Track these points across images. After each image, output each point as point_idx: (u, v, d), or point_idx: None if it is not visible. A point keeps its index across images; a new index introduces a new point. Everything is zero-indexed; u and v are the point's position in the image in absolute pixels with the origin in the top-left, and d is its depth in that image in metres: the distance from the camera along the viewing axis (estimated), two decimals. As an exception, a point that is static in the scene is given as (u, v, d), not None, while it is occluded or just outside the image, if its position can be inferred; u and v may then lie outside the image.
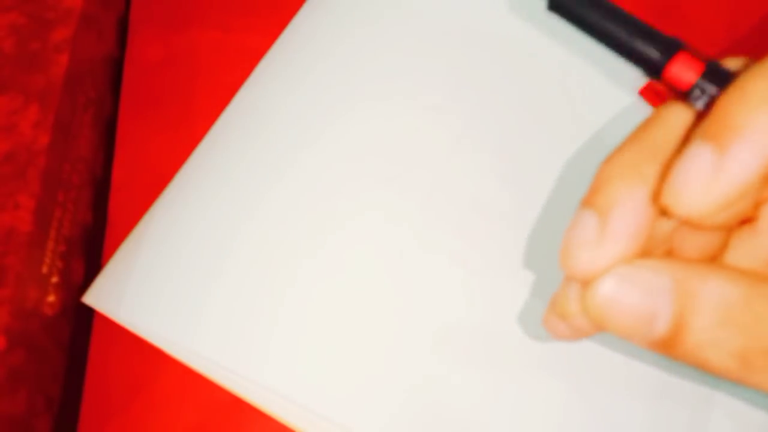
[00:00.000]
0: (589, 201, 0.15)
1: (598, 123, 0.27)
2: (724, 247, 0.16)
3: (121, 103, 0.28)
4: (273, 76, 0.28)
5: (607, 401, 0.23)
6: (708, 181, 0.12)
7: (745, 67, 0.14)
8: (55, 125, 0.24)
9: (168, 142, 0.27)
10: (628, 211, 0.14)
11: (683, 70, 0.14)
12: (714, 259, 0.16)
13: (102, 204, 0.27)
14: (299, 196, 0.25)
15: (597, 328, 0.14)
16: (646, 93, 0.27)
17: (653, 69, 0.15)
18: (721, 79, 0.14)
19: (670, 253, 0.16)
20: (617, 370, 0.23)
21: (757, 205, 0.16)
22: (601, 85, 0.28)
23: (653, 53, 0.15)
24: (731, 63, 0.15)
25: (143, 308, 0.24)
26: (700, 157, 0.13)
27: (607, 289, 0.13)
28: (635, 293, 0.13)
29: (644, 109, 0.27)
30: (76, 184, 0.26)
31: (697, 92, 0.14)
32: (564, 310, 0.16)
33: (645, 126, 0.15)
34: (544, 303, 0.24)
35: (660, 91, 0.27)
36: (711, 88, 0.14)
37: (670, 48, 0.15)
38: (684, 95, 0.15)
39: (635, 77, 0.28)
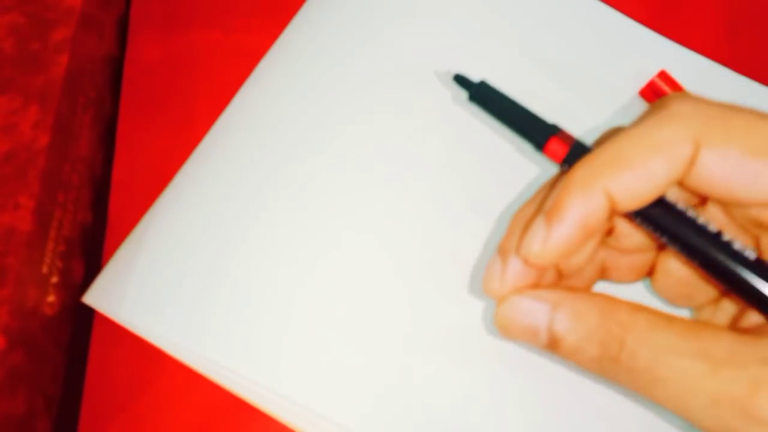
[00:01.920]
0: (500, 246, 0.20)
1: (598, 122, 0.27)
2: (652, 265, 0.21)
3: (121, 103, 0.28)
4: (273, 76, 0.28)
5: (604, 401, 0.23)
6: (541, 244, 0.17)
7: (605, 137, 0.19)
8: (55, 125, 0.24)
9: (168, 142, 0.27)
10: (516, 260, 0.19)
11: (556, 149, 0.19)
12: (641, 274, 0.21)
13: (102, 204, 0.27)
14: (298, 196, 0.25)
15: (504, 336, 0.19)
16: (646, 93, 0.27)
17: (537, 146, 0.19)
18: (581, 155, 0.18)
19: (602, 272, 0.21)
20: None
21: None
22: (601, 85, 0.28)
23: (536, 135, 0.19)
24: (604, 136, 0.20)
25: (143, 308, 0.24)
26: (537, 227, 0.18)
27: (501, 311, 0.18)
28: (519, 314, 0.18)
29: (644, 109, 0.27)
30: (76, 184, 0.26)
31: (565, 166, 0.19)
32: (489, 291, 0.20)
33: (544, 187, 0.20)
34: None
35: (660, 91, 0.27)
36: (576, 159, 0.18)
37: (547, 132, 0.19)
38: (560, 166, 0.19)
39: (635, 78, 0.28)
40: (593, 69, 0.28)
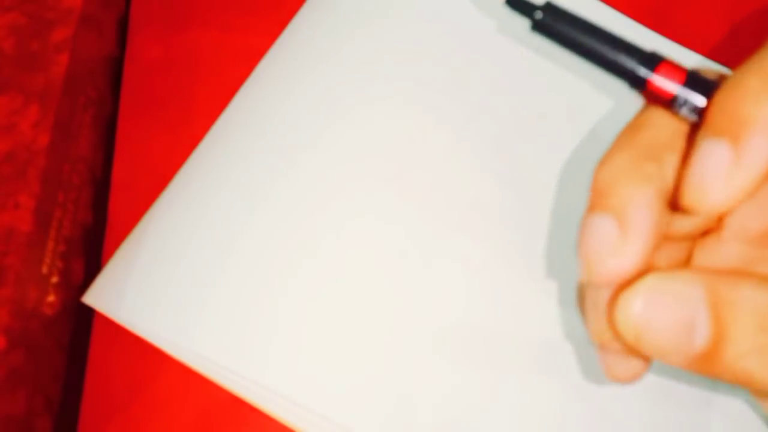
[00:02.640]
0: (599, 205, 0.15)
1: (597, 121, 0.27)
2: (688, 257, 0.17)
3: (121, 103, 0.28)
4: (273, 76, 0.28)
5: (607, 402, 0.23)
6: (728, 174, 0.13)
7: (722, 76, 0.15)
8: (55, 125, 0.24)
9: (168, 142, 0.27)
10: (644, 210, 0.14)
11: (665, 81, 0.15)
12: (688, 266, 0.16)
13: (102, 204, 0.27)
14: (299, 196, 0.25)
15: (633, 350, 0.14)
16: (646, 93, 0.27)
17: (637, 82, 0.15)
18: (702, 86, 0.15)
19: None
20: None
21: (721, 217, 0.16)
22: (600, 84, 0.28)
23: (636, 67, 0.15)
24: (708, 73, 0.16)
25: (143, 308, 0.24)
26: (715, 153, 0.13)
27: (639, 304, 0.13)
28: (669, 305, 0.13)
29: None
30: (76, 184, 0.26)
31: (681, 100, 0.15)
32: (602, 339, 0.16)
33: (631, 130, 0.16)
34: (542, 303, 0.24)
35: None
36: (693, 96, 0.15)
37: (652, 60, 0.15)
38: (668, 104, 0.15)
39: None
40: (593, 69, 0.28)
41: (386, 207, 0.25)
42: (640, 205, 0.14)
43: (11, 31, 0.25)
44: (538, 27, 0.16)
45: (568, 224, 0.25)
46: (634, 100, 0.28)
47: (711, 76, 0.15)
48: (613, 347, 0.16)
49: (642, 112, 0.16)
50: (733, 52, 0.29)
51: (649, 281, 0.13)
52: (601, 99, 0.27)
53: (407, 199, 0.25)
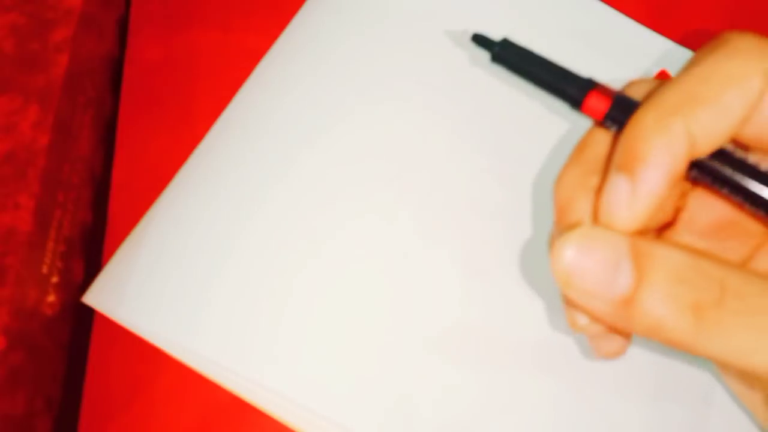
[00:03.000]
0: (560, 222, 0.17)
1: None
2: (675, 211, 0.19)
3: (121, 103, 0.28)
4: (273, 76, 0.28)
5: (605, 402, 0.23)
6: (629, 203, 0.15)
7: (647, 95, 0.17)
8: (55, 125, 0.24)
9: (168, 142, 0.27)
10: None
11: (596, 104, 0.17)
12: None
13: (102, 204, 0.27)
14: (299, 196, 0.25)
15: (564, 291, 0.15)
16: None
17: (574, 104, 0.18)
18: (626, 109, 0.17)
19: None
20: (616, 371, 0.23)
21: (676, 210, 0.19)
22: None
23: (572, 92, 0.18)
24: (642, 86, 0.18)
25: (143, 308, 0.24)
26: (617, 186, 0.15)
27: (571, 249, 0.15)
28: (597, 250, 0.15)
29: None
30: (76, 184, 0.26)
31: (608, 122, 0.17)
32: (576, 325, 0.18)
33: (579, 148, 0.18)
34: (540, 303, 0.24)
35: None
36: (619, 117, 0.17)
37: (584, 87, 0.18)
38: (601, 123, 0.18)
39: (636, 77, 0.28)
40: (593, 69, 0.28)
41: (386, 207, 0.25)
42: (574, 221, 0.17)
43: (11, 31, 0.25)
44: (496, 59, 0.19)
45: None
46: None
47: (640, 96, 0.17)
48: (589, 330, 0.17)
49: (588, 131, 0.19)
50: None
51: (580, 230, 0.15)
52: None
53: (407, 200, 0.25)
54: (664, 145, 0.15)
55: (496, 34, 0.28)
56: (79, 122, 0.26)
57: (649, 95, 0.16)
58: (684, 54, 0.28)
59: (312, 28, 0.28)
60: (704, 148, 0.15)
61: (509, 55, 0.19)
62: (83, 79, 0.27)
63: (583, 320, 0.17)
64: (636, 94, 0.18)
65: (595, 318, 0.16)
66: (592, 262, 0.15)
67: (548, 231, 0.25)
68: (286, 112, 0.27)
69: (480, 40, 0.19)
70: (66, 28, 0.26)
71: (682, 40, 0.29)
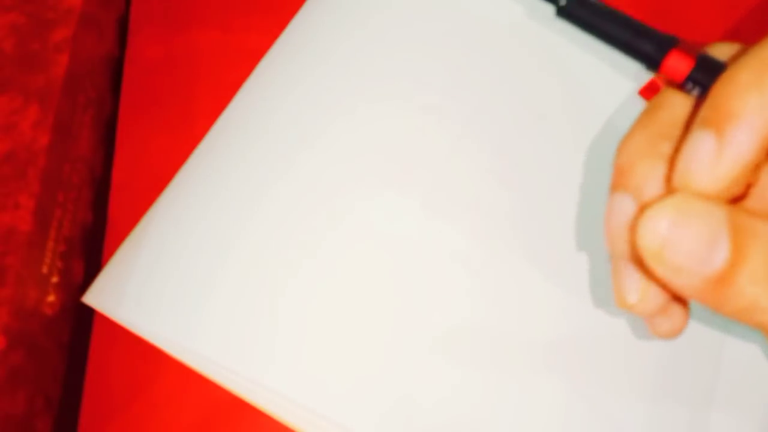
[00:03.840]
0: (619, 185, 0.16)
1: (598, 122, 0.27)
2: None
3: (121, 103, 0.28)
4: (273, 76, 0.28)
5: (607, 401, 0.23)
6: (712, 164, 0.14)
7: (734, 56, 0.16)
8: (55, 125, 0.24)
9: (168, 142, 0.27)
10: (659, 188, 0.15)
11: (677, 64, 0.16)
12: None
13: (102, 204, 0.27)
14: (299, 196, 0.25)
15: (652, 265, 0.14)
16: (646, 93, 0.27)
17: (651, 64, 0.17)
18: (711, 70, 0.16)
19: None
20: (618, 371, 0.23)
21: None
22: (600, 86, 0.28)
23: (650, 50, 0.17)
24: (723, 48, 0.17)
25: (143, 308, 0.24)
26: (701, 143, 0.14)
27: (665, 220, 0.14)
28: (695, 223, 0.13)
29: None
30: (76, 184, 0.26)
31: (690, 84, 0.16)
32: (624, 304, 0.17)
33: (649, 111, 0.17)
34: (544, 303, 0.24)
35: (659, 90, 0.27)
36: (703, 79, 0.16)
37: (665, 45, 0.16)
38: (680, 86, 0.16)
39: (635, 78, 0.28)
40: (593, 69, 0.28)
41: (386, 206, 0.25)
42: (656, 183, 0.15)
43: (11, 31, 0.25)
44: (562, 13, 0.17)
45: (571, 224, 0.25)
46: (635, 102, 0.28)
47: (723, 59, 0.16)
48: (639, 308, 0.17)
49: (660, 93, 0.17)
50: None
51: (676, 200, 0.14)
52: (606, 100, 0.27)
53: (408, 199, 0.25)
54: (760, 103, 0.13)
55: (494, 34, 0.28)
56: (79, 122, 0.26)
57: (740, 54, 0.15)
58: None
59: (312, 28, 0.28)
60: None
61: (578, 8, 0.17)
62: (83, 79, 0.27)
63: (633, 297, 0.16)
64: (720, 56, 0.17)
65: (685, 294, 0.15)
66: (689, 235, 0.13)
67: (557, 230, 0.25)
68: (287, 112, 0.27)
69: None
70: (66, 28, 0.26)
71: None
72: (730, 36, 0.29)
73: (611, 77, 0.28)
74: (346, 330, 0.24)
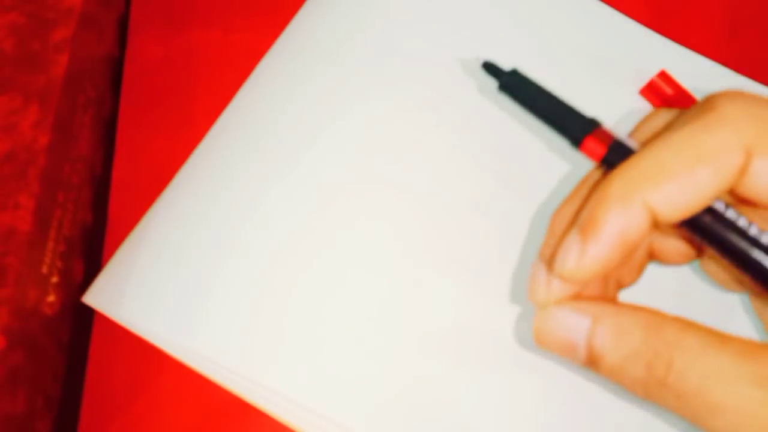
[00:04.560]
0: (541, 252, 0.19)
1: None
2: (701, 247, 0.20)
3: (121, 103, 0.28)
4: (273, 76, 0.28)
5: (603, 401, 0.23)
6: (577, 260, 0.16)
7: (650, 137, 0.18)
8: (55, 125, 0.24)
9: (168, 142, 0.27)
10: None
11: (594, 147, 0.18)
12: (690, 257, 0.20)
13: (102, 204, 0.27)
14: (299, 196, 0.25)
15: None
16: (646, 93, 0.27)
17: (574, 143, 0.18)
18: (621, 155, 0.17)
19: (650, 255, 0.20)
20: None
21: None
22: (601, 85, 0.28)
23: (573, 131, 0.18)
24: (663, 116, 0.18)
25: (143, 308, 0.24)
26: (571, 243, 0.16)
27: (538, 322, 0.17)
28: (557, 327, 0.17)
29: (644, 109, 0.27)
30: (76, 184, 0.26)
31: (605, 166, 0.18)
32: (534, 298, 0.19)
33: (580, 185, 0.19)
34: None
35: (660, 91, 0.27)
36: (614, 161, 0.17)
37: (585, 128, 0.18)
38: (600, 164, 0.18)
39: (635, 78, 0.28)
40: (593, 69, 0.28)
41: (385, 207, 0.25)
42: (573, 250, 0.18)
43: (11, 31, 0.25)
44: (503, 88, 0.19)
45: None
46: (637, 101, 0.28)
47: (635, 145, 0.18)
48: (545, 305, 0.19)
49: (591, 170, 0.19)
50: (733, 52, 0.29)
51: (549, 309, 0.17)
52: (607, 100, 0.27)
53: (406, 200, 0.25)
54: (619, 216, 0.16)
55: (494, 34, 0.28)
56: (79, 122, 0.26)
57: (623, 164, 0.16)
58: (684, 54, 0.28)
59: (312, 27, 0.28)
60: (670, 217, 0.16)
61: (516, 86, 0.19)
62: (83, 79, 0.27)
63: (541, 295, 0.18)
64: (653, 126, 0.18)
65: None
66: (555, 336, 0.17)
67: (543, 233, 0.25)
68: (287, 112, 0.27)
69: (489, 68, 0.20)
70: (66, 28, 0.26)
71: (682, 40, 0.29)
72: (730, 38, 0.29)
73: (612, 78, 0.28)
74: (345, 330, 0.24)
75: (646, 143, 0.17)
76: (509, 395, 0.23)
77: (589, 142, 0.18)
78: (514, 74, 0.19)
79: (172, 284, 0.24)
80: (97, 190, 0.28)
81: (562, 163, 0.26)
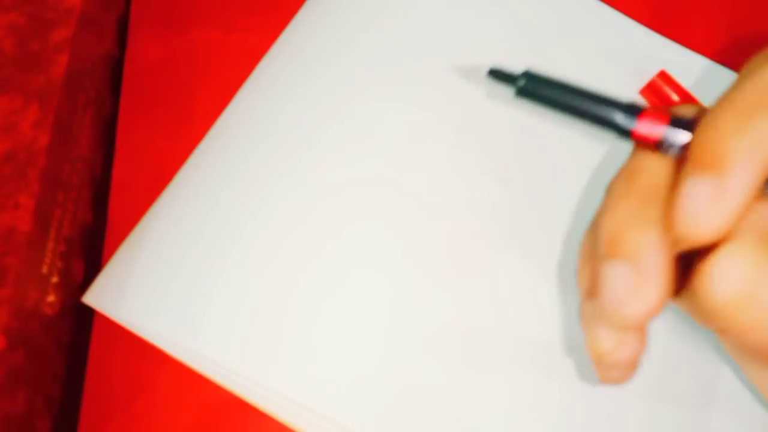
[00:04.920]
0: (613, 252, 0.16)
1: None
2: None
3: (121, 103, 0.28)
4: (273, 75, 0.28)
5: (605, 402, 0.23)
6: (712, 208, 0.13)
7: (701, 111, 0.16)
8: (55, 125, 0.24)
9: (168, 142, 0.27)
10: (655, 253, 0.15)
11: (649, 128, 0.16)
12: None
13: (102, 204, 0.27)
14: (299, 196, 0.25)
15: (719, 329, 0.14)
16: (646, 93, 0.27)
17: (623, 132, 0.16)
18: (683, 126, 0.16)
19: None
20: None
21: None
22: (601, 85, 0.28)
23: (619, 119, 0.16)
24: (687, 110, 0.17)
25: (143, 308, 0.24)
26: (698, 189, 0.14)
27: (739, 274, 0.13)
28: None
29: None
30: (76, 184, 0.26)
31: (667, 142, 0.16)
32: (598, 351, 0.17)
33: (627, 177, 0.17)
34: (541, 303, 0.24)
35: (660, 91, 0.27)
36: (677, 137, 0.16)
37: (633, 110, 0.16)
38: (655, 147, 0.16)
39: (635, 78, 0.28)
40: (593, 69, 0.28)
41: (386, 208, 0.25)
42: (651, 249, 0.15)
43: (11, 31, 0.25)
44: (523, 93, 0.17)
45: (567, 224, 0.25)
46: (640, 101, 0.28)
47: (690, 114, 0.16)
48: (608, 361, 0.17)
49: (633, 158, 0.17)
50: (733, 52, 0.29)
51: (748, 247, 0.13)
52: None
53: (407, 200, 0.25)
54: (750, 142, 0.13)
55: (494, 34, 0.28)
56: (79, 122, 0.26)
57: (716, 103, 0.15)
58: (684, 54, 0.28)
59: (312, 28, 0.28)
60: None
61: (536, 88, 0.17)
62: (83, 79, 0.27)
63: (608, 345, 0.16)
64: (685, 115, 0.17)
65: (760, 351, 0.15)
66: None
67: (553, 230, 0.25)
68: (287, 112, 0.27)
69: (498, 75, 0.18)
70: (66, 28, 0.26)
71: (682, 40, 0.29)
72: (730, 38, 0.29)
73: (612, 78, 0.28)
74: (346, 330, 0.24)
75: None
76: (509, 395, 0.23)
77: (642, 126, 0.16)
78: (530, 77, 0.18)
79: (172, 284, 0.24)
80: (97, 190, 0.28)
81: (564, 163, 0.26)
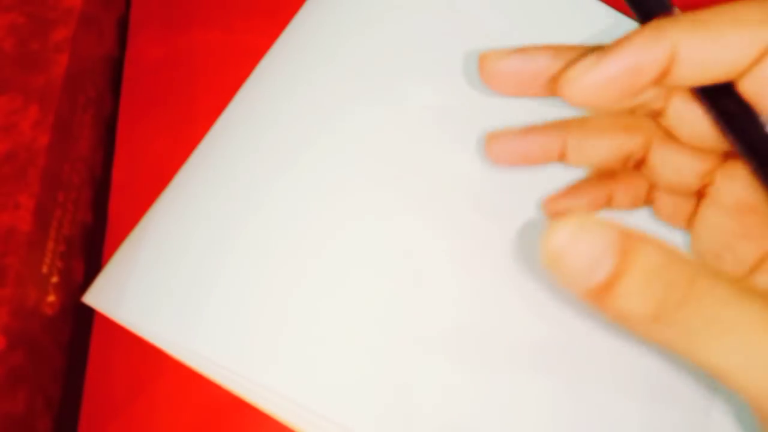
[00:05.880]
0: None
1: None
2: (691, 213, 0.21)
3: (121, 103, 0.28)
4: (273, 75, 0.28)
5: (603, 402, 0.23)
6: (584, 72, 0.16)
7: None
8: (55, 125, 0.24)
9: (168, 142, 0.27)
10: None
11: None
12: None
13: (102, 204, 0.27)
14: (299, 196, 0.25)
15: (548, 269, 0.16)
16: None
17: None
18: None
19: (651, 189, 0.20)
20: (615, 370, 0.23)
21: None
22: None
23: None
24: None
25: (143, 308, 0.24)
26: (586, 60, 0.17)
27: (563, 234, 0.15)
28: (586, 241, 0.15)
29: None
30: (76, 184, 0.26)
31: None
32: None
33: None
34: (539, 302, 0.24)
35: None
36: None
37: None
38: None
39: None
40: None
41: (386, 207, 0.25)
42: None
43: (11, 31, 0.25)
44: None
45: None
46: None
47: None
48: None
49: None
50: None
51: (575, 218, 0.15)
52: None
53: (407, 199, 0.25)
54: (642, 46, 0.16)
55: (494, 34, 0.28)
56: (79, 122, 0.26)
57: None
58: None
59: (312, 28, 0.28)
60: (691, 71, 0.16)
61: None
62: (83, 79, 0.27)
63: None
64: None
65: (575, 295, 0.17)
66: (581, 250, 0.15)
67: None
68: (287, 112, 0.27)
69: None
70: (66, 28, 0.26)
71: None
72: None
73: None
74: (346, 330, 0.24)
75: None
76: (509, 395, 0.23)
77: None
78: None
79: (172, 284, 0.24)
80: (97, 190, 0.28)
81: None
